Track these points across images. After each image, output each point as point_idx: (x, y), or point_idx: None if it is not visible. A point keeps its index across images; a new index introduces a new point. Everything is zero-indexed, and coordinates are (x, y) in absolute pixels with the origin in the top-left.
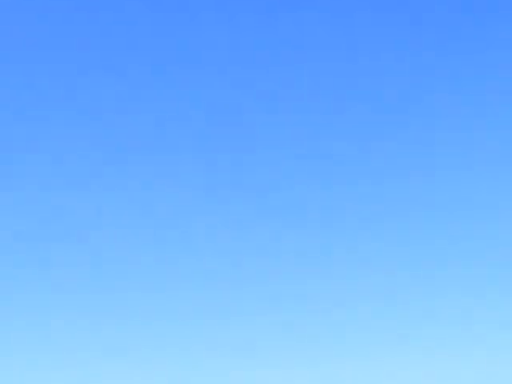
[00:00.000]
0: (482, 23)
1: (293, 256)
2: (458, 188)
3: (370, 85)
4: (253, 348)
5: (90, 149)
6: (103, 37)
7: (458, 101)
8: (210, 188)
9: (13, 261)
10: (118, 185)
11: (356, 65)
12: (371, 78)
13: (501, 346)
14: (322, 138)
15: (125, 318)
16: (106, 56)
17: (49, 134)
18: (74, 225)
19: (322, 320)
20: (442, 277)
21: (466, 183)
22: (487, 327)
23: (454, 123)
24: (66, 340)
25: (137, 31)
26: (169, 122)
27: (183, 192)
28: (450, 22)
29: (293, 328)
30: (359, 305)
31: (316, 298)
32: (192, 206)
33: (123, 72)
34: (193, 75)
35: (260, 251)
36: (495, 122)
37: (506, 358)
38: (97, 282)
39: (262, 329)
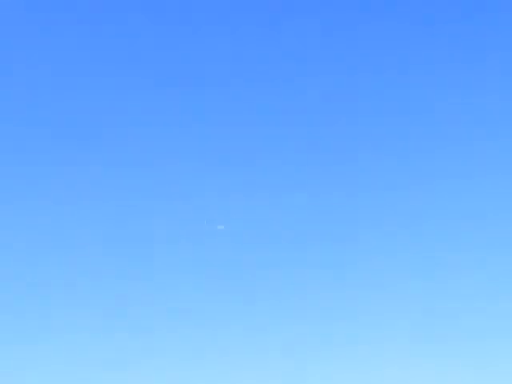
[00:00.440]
0: (482, 24)
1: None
2: (458, 189)
3: (372, 96)
4: (253, 348)
5: None
6: (106, 50)
7: (458, 109)
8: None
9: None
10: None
11: (358, 77)
12: (373, 90)
13: (501, 347)
14: (322, 149)
15: (125, 318)
16: (108, 71)
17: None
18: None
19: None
20: (442, 278)
21: (465, 186)
22: (487, 328)
23: (455, 131)
24: (66, 340)
25: (140, 45)
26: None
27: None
28: (450, 26)
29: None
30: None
31: (316, 299)
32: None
33: (125, 85)
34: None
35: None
36: (497, 126)
37: (506, 357)
38: (99, 282)
39: (263, 329)
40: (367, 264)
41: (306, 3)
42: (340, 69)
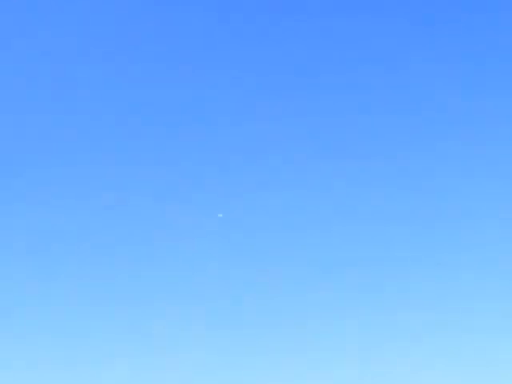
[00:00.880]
0: (482, 26)
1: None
2: (458, 190)
3: (373, 94)
4: (253, 349)
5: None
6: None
7: (461, 109)
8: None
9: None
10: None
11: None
12: (373, 90)
13: (501, 348)
14: (322, 146)
15: (124, 319)
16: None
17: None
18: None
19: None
20: (443, 279)
21: (466, 185)
22: (487, 328)
23: (455, 131)
24: (67, 341)
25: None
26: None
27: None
28: (450, 26)
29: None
30: (360, 306)
31: (316, 300)
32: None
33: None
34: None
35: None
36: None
37: (506, 358)
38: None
39: (263, 331)
40: (367, 264)
41: (305, 3)
42: (339, 69)
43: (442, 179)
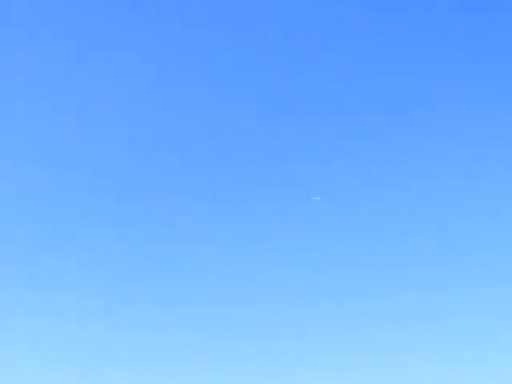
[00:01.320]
0: (482, 26)
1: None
2: (457, 189)
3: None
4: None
5: None
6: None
7: (460, 110)
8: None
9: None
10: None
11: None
12: (373, 89)
13: (500, 347)
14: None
15: (124, 319)
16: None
17: None
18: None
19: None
20: (442, 280)
21: (465, 185)
22: (486, 329)
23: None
24: (67, 341)
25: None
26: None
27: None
28: (450, 25)
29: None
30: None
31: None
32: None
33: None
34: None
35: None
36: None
37: (505, 358)
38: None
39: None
40: (368, 265)
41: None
42: (340, 69)
43: (441, 179)
